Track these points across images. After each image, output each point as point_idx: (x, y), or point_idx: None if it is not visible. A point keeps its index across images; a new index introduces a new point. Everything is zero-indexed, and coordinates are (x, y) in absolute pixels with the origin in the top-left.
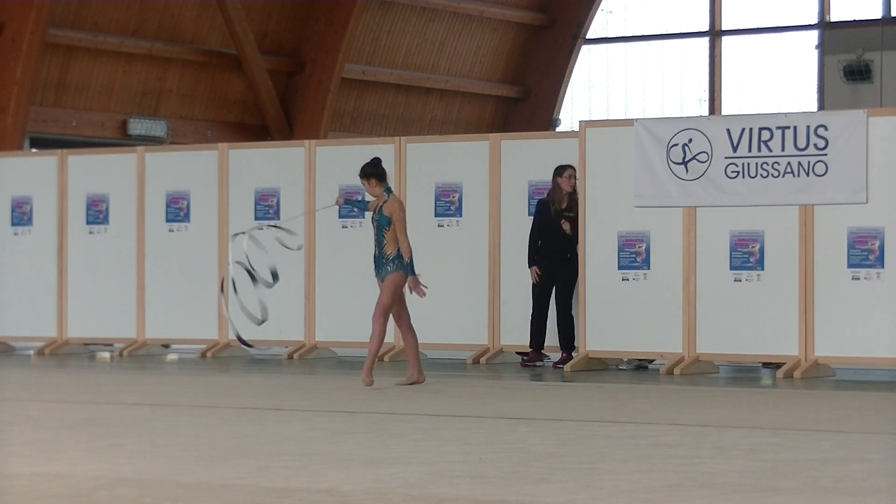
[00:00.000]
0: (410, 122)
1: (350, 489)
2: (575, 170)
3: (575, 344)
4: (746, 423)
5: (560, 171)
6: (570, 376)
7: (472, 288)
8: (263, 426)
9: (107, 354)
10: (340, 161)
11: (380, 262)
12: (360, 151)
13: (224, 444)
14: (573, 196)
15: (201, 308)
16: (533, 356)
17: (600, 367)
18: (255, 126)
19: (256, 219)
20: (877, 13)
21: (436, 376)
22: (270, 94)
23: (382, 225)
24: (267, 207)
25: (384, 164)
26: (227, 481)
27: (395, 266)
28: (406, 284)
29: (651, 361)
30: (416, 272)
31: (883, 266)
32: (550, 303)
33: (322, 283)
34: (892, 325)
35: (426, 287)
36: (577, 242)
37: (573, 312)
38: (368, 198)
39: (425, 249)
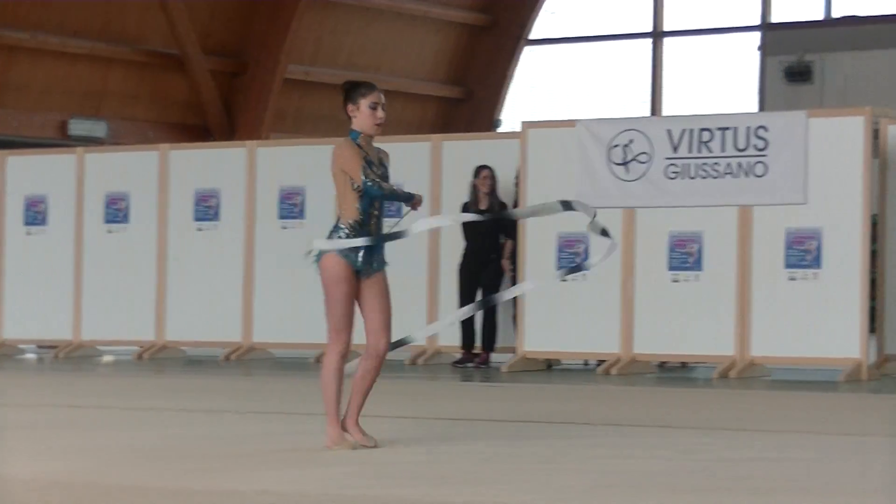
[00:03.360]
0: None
1: (288, 490)
2: (491, 170)
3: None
4: (681, 423)
5: (476, 172)
6: (507, 377)
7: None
8: (194, 428)
9: (33, 356)
10: (282, 162)
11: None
12: (301, 153)
13: (157, 445)
14: (493, 197)
15: (139, 309)
16: (465, 357)
17: (538, 367)
18: (197, 127)
19: (196, 220)
20: (818, 15)
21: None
22: (212, 95)
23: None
24: (207, 208)
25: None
26: (159, 484)
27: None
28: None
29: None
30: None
31: (820, 267)
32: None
33: (261, 284)
34: (828, 325)
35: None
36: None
37: (512, 312)
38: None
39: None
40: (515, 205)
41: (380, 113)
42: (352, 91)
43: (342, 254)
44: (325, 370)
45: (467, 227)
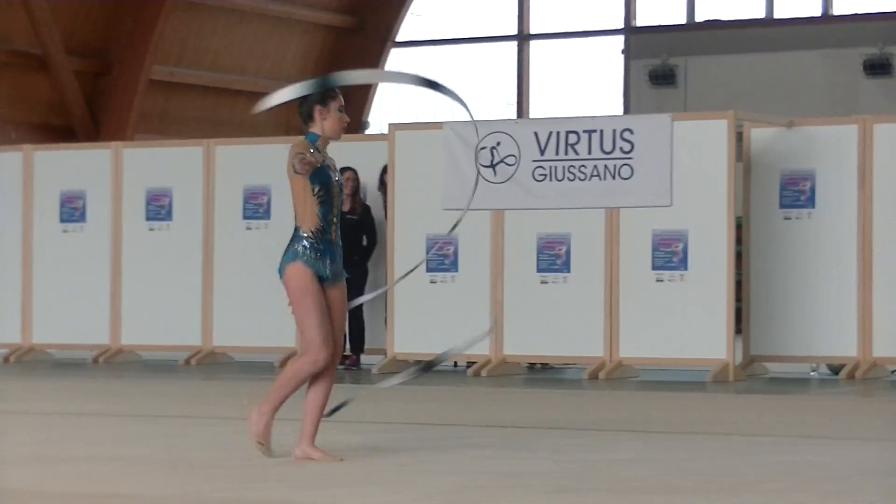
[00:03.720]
0: (219, 125)
1: (160, 494)
2: (354, 172)
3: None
4: (552, 424)
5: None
6: (377, 378)
7: (280, 289)
8: (73, 430)
9: None
10: (147, 163)
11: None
12: (167, 154)
13: (38, 448)
14: (356, 199)
15: (6, 312)
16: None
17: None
18: (61, 127)
19: (62, 221)
20: (681, 19)
21: (250, 379)
22: (76, 96)
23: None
24: (73, 210)
25: (196, 165)
26: (34, 487)
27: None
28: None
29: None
30: None
31: (686, 268)
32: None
33: (128, 285)
34: (694, 326)
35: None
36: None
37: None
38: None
39: (234, 252)
40: (384, 207)
41: (345, 117)
42: (327, 93)
43: (307, 262)
44: (291, 371)
45: None
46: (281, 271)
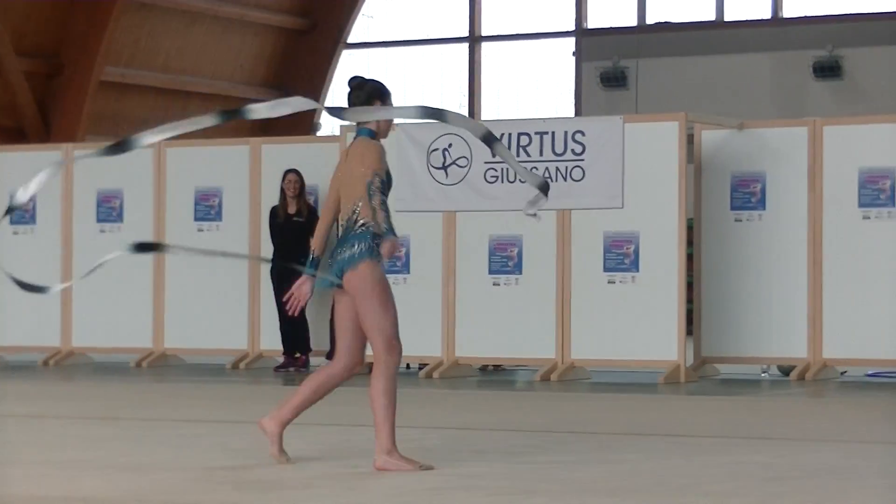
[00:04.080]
0: None
1: (107, 496)
2: (298, 174)
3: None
4: (504, 426)
5: (283, 175)
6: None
7: (232, 291)
8: (24, 434)
9: None
10: (98, 165)
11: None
12: (119, 156)
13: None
14: (301, 200)
15: None
16: (287, 361)
17: (361, 370)
18: (12, 129)
19: (12, 223)
20: (632, 21)
21: (196, 382)
22: (27, 97)
23: None
24: (23, 212)
25: (146, 166)
26: None
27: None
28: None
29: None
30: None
31: (638, 270)
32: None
33: (79, 287)
34: (646, 327)
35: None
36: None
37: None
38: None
39: (184, 254)
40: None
41: None
42: (387, 94)
43: (374, 258)
44: (385, 382)
45: (275, 230)
46: (344, 273)
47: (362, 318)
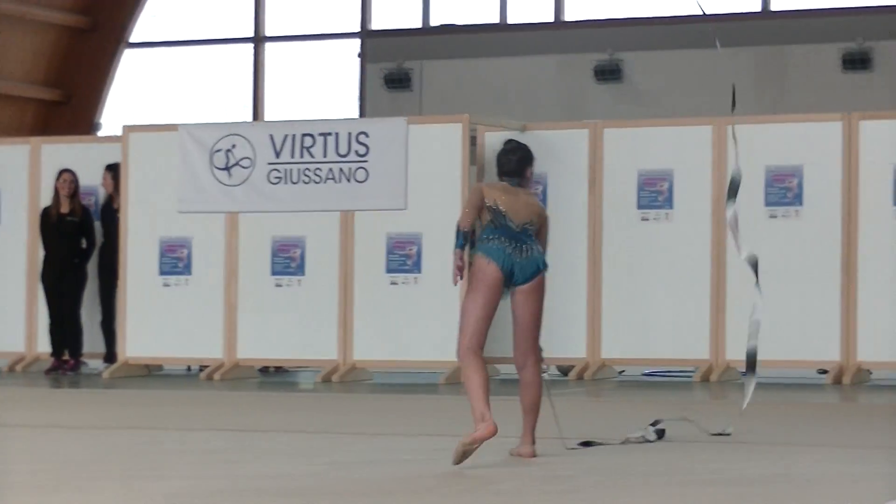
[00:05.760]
0: None
1: None
2: (73, 173)
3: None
4: (288, 428)
5: (57, 175)
6: (110, 383)
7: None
8: None
9: None
10: None
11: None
12: None
13: None
14: (75, 200)
15: None
16: (55, 364)
17: (142, 373)
18: None
19: None
20: (417, 23)
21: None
22: None
23: None
24: None
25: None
26: None
27: None
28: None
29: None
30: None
31: (420, 271)
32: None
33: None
34: (427, 329)
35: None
36: (92, 247)
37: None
38: None
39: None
40: (107, 207)
41: None
42: (534, 159)
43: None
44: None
45: (46, 233)
46: (540, 271)
47: (536, 314)
